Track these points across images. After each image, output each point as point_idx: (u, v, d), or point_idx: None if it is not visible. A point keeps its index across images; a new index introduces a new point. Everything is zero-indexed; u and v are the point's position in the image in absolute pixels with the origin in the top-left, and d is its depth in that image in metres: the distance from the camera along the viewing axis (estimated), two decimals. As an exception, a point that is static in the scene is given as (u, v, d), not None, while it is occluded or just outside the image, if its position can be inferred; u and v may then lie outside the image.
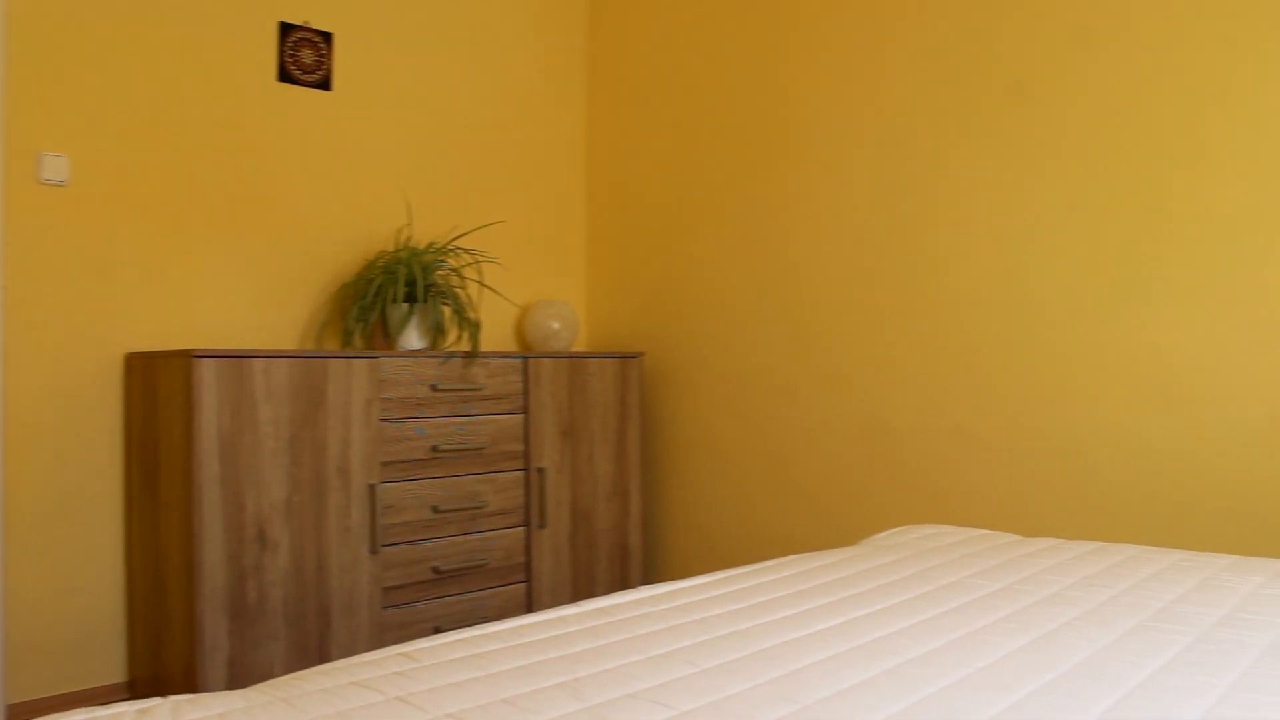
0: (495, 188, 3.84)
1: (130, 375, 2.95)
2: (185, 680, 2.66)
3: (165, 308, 3.05)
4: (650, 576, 3.83)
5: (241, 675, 2.68)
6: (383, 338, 3.29)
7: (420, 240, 3.57)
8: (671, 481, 3.81)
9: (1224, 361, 2.54)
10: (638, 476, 3.67)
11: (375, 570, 2.97)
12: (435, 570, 3.11)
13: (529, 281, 3.95)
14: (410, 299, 3.22)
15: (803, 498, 3.40)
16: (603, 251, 4.08)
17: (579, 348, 4.10)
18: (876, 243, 3.20)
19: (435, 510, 3.11)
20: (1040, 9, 2.84)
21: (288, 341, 3.30)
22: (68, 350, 2.87)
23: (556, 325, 3.81)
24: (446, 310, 3.36)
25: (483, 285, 3.62)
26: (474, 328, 3.24)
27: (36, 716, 2.69)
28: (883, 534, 2.50)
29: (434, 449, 3.10)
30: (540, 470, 3.38)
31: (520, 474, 3.34)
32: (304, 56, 3.32)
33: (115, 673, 2.95)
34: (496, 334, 3.84)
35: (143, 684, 2.89)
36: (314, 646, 2.83)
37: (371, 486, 2.95)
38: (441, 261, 3.34)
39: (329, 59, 3.38)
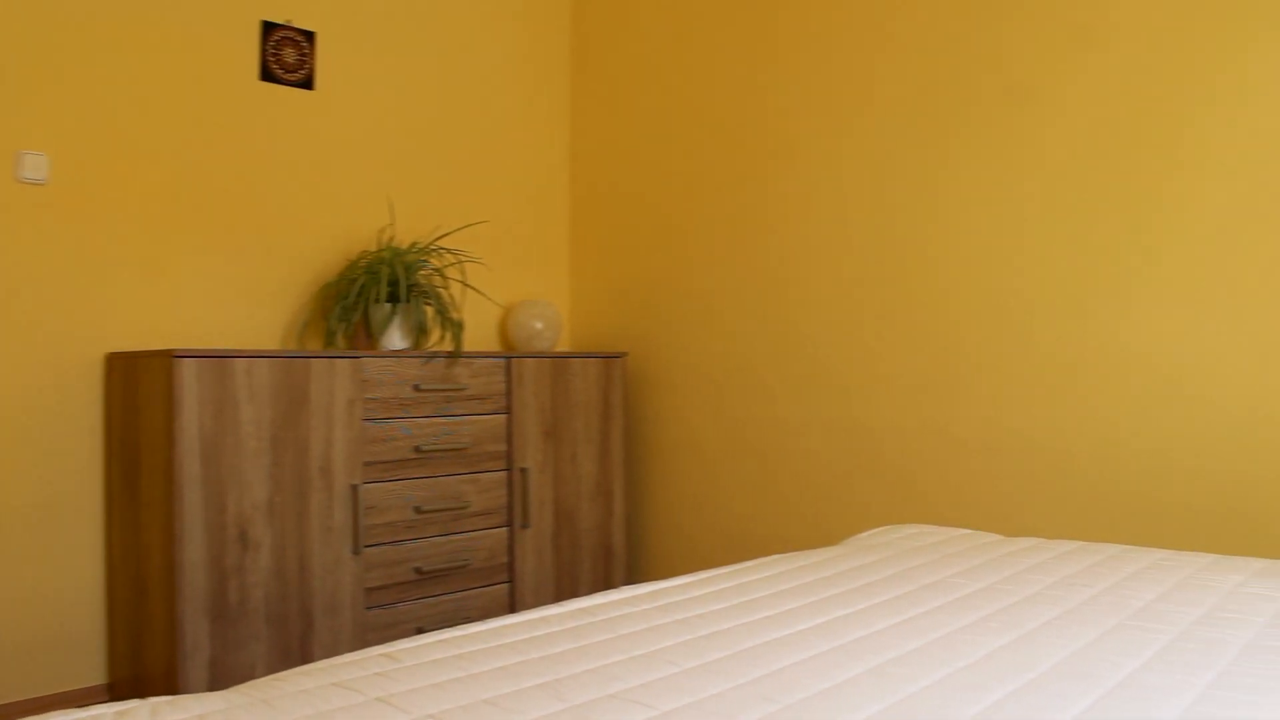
0: (478, 188, 3.84)
1: (111, 375, 2.93)
2: (166, 682, 2.64)
3: (146, 307, 3.03)
4: (633, 576, 3.83)
5: (223, 676, 2.66)
6: (365, 338, 3.28)
7: (403, 240, 3.56)
8: (654, 481, 3.81)
9: (1204, 362, 2.55)
10: (621, 477, 3.67)
11: (358, 571, 2.96)
12: (418, 571, 3.10)
13: (512, 281, 3.94)
14: (393, 299, 3.21)
15: (785, 497, 3.41)
16: (586, 252, 4.08)
17: (562, 348, 4.09)
18: (859, 244, 3.21)
19: (418, 511, 3.10)
20: (1028, 13, 2.85)
21: (270, 341, 3.28)
22: (48, 350, 2.85)
23: (540, 325, 3.81)
24: (429, 310, 3.35)
25: (466, 285, 3.62)
26: (457, 328, 3.23)
27: (15, 719, 2.67)
28: (865, 534, 2.51)
29: (417, 449, 3.10)
30: (523, 470, 3.38)
31: (503, 474, 3.34)
32: (286, 55, 3.31)
33: (95, 674, 2.93)
34: (479, 334, 3.83)
35: (123, 686, 2.87)
36: (296, 648, 2.82)
37: (354, 487, 2.94)
38: (424, 261, 3.33)
39: (312, 58, 3.37)
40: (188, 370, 2.63)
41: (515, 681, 1.32)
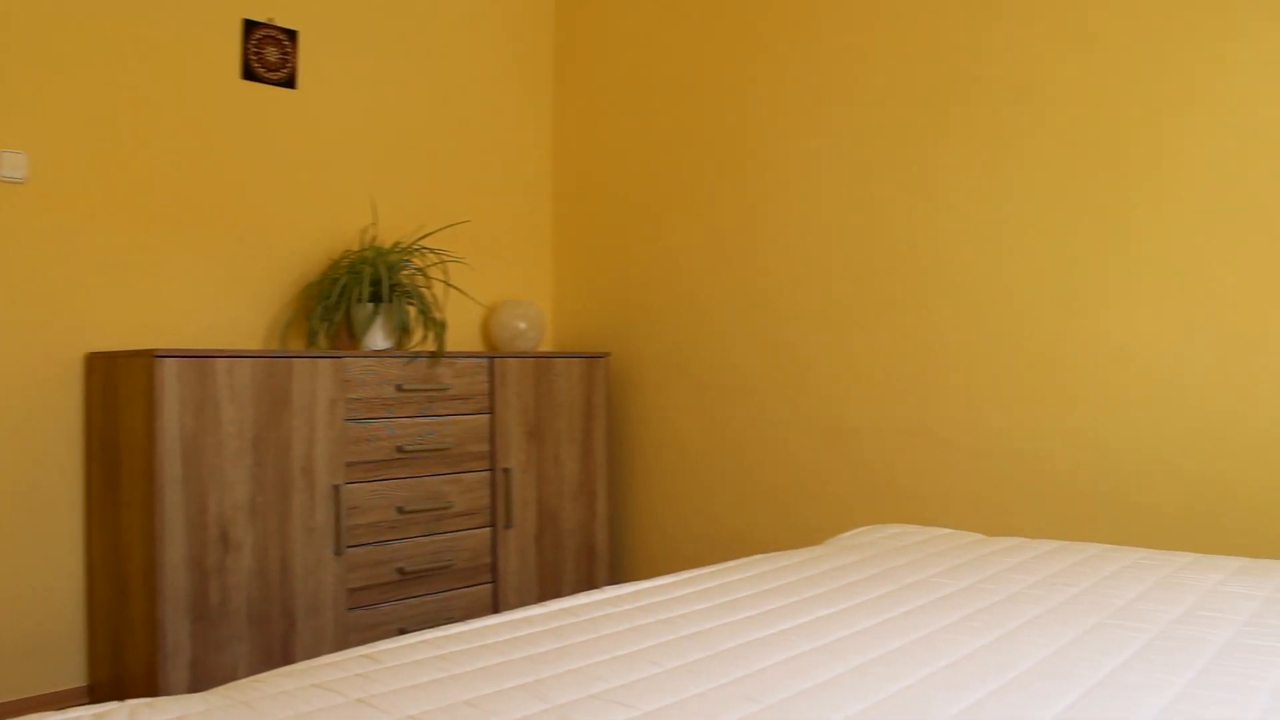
0: (461, 187, 3.83)
1: (91, 375, 2.91)
2: (147, 683, 2.63)
3: (126, 307, 3.01)
4: (616, 576, 3.83)
5: (204, 678, 2.65)
6: (348, 338, 3.27)
7: (386, 240, 3.55)
8: (637, 481, 3.81)
9: (1186, 363, 2.57)
10: (604, 477, 3.67)
11: (340, 571, 2.95)
12: (400, 571, 3.09)
13: (495, 281, 3.93)
14: (375, 299, 3.20)
15: (768, 498, 3.41)
16: (569, 252, 4.07)
17: (545, 348, 4.09)
18: (842, 244, 3.22)
19: (400, 511, 3.09)
20: (1011, 15, 2.87)
21: (251, 341, 3.27)
22: (27, 350, 2.83)
23: (523, 325, 3.80)
24: (412, 310, 3.34)
25: (448, 285, 3.61)
26: (439, 328, 3.22)
27: (-7, 721, 2.66)
28: (847, 534, 2.51)
29: (399, 449, 3.09)
30: (506, 470, 3.37)
31: (486, 474, 3.33)
32: (268, 54, 3.29)
33: (75, 676, 2.90)
34: (462, 334, 3.82)
35: (103, 687, 2.85)
36: (278, 648, 2.80)
37: (336, 487, 2.93)
38: (407, 261, 3.32)
39: (294, 57, 3.35)
40: (169, 370, 2.61)
41: (497, 682, 1.31)
